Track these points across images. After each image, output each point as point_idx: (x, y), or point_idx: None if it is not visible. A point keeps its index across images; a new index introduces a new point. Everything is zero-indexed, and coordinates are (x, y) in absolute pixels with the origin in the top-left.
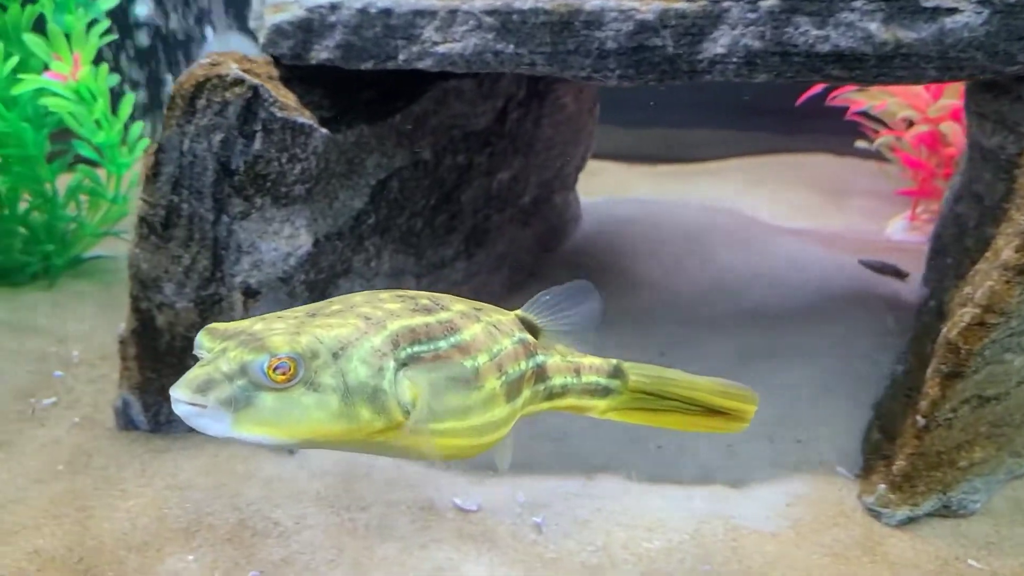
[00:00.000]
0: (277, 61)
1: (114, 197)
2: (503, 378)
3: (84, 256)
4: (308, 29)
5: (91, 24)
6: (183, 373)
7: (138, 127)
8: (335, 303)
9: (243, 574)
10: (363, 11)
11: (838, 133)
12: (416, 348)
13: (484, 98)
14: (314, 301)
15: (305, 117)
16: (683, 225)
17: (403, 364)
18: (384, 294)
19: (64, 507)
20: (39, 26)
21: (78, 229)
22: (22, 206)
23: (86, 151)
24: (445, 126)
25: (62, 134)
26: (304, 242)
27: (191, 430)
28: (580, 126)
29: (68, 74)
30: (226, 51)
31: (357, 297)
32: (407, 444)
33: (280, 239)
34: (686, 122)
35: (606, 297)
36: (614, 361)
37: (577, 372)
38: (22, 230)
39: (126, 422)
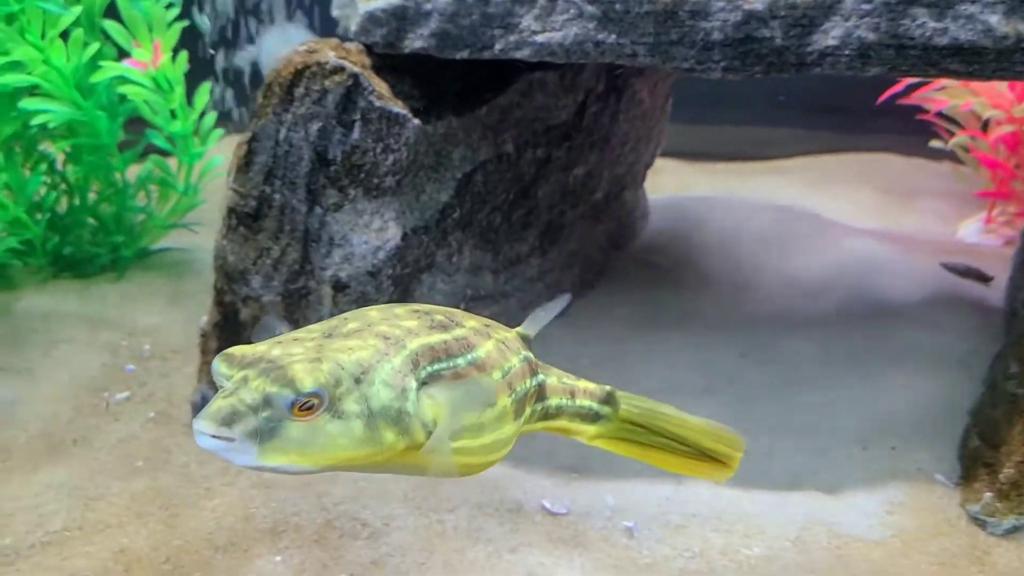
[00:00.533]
0: (369, 50)
1: (184, 188)
2: (512, 395)
3: (151, 248)
4: (402, 17)
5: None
6: None
7: (211, 118)
8: (351, 321)
9: None
10: None
11: (904, 133)
12: (436, 366)
13: (566, 91)
14: (398, 297)
15: (400, 107)
16: (756, 225)
17: (423, 383)
18: (399, 309)
19: (147, 505)
20: (111, 12)
21: (147, 220)
22: (91, 196)
23: (159, 140)
24: (528, 119)
25: (132, 123)
26: (393, 235)
27: None
28: (653, 122)
29: (148, 62)
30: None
31: (373, 313)
32: (425, 463)
33: (370, 232)
34: (745, 120)
35: (682, 296)
36: (607, 388)
37: (572, 395)
38: (91, 221)
39: None
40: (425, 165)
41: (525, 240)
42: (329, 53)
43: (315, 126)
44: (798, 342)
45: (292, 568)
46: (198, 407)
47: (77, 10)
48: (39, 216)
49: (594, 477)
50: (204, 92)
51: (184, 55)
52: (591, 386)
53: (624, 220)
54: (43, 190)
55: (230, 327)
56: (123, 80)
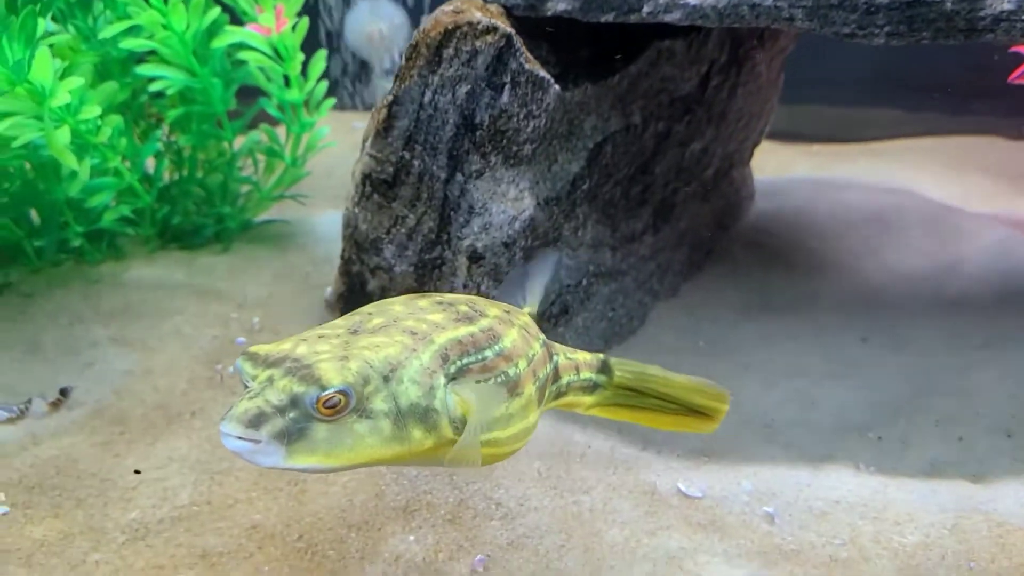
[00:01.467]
0: (508, 12)
1: (292, 159)
2: (536, 383)
3: (255, 220)
4: None
5: None
6: None
7: (323, 87)
8: (375, 316)
9: (468, 557)
10: None
11: (1009, 115)
12: (464, 360)
13: (691, 62)
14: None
15: (544, 71)
16: (869, 207)
17: (452, 379)
18: (423, 302)
19: (275, 480)
20: None
21: (252, 191)
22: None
23: (271, 109)
24: (655, 90)
25: (239, 92)
26: (528, 205)
27: None
28: (766, 98)
29: (272, 28)
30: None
31: (397, 307)
32: (455, 455)
33: (507, 201)
34: (844, 100)
35: (794, 278)
36: (601, 356)
37: (577, 370)
38: (197, 191)
39: None
40: (559, 134)
41: (640, 217)
42: (476, 13)
43: (463, 89)
44: (925, 327)
45: (426, 548)
46: None
47: None
48: (148, 185)
49: (726, 461)
50: (320, 60)
51: (305, 22)
52: (588, 357)
53: (732, 200)
54: (153, 159)
55: (356, 298)
56: (242, 46)
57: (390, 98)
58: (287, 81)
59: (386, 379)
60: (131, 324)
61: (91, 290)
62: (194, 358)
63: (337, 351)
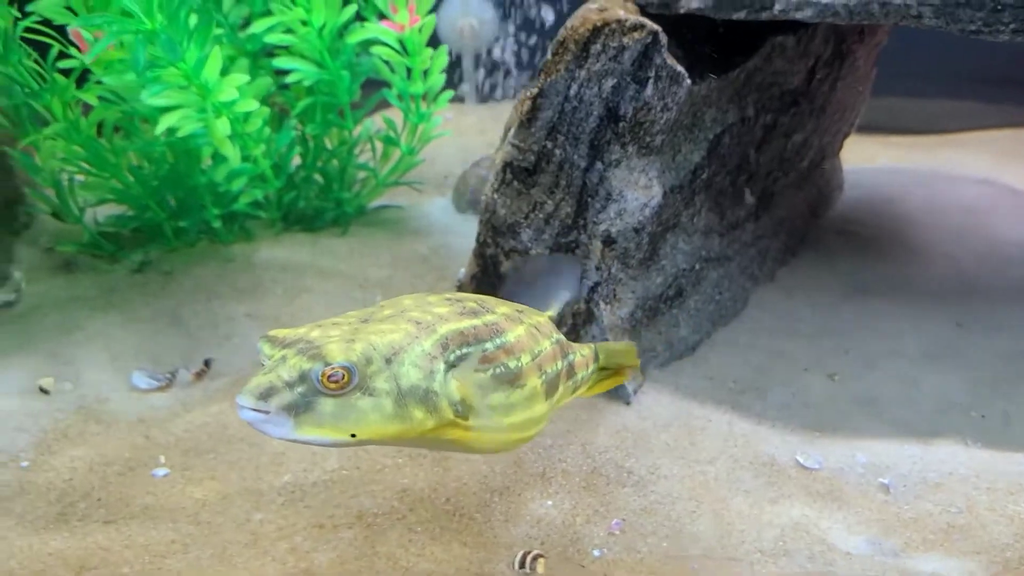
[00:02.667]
0: (642, 10)
1: (409, 148)
2: (543, 377)
3: (370, 205)
4: None
5: None
6: None
7: (440, 80)
8: (386, 308)
9: (604, 521)
10: None
11: None
12: (464, 350)
13: (800, 56)
14: (651, 254)
15: (680, 66)
16: (958, 197)
17: (452, 366)
18: (432, 297)
19: (416, 449)
20: None
21: (369, 178)
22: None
23: (392, 99)
24: (766, 84)
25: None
26: (656, 193)
27: None
28: (860, 90)
29: (406, 24)
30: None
31: (407, 300)
32: (456, 438)
33: (639, 189)
34: (922, 92)
35: (887, 265)
36: (595, 346)
37: (587, 365)
38: (318, 177)
39: None
40: (683, 125)
41: (743, 205)
42: (620, 12)
43: (609, 82)
44: (1018, 313)
45: (564, 512)
46: None
47: None
48: (277, 172)
49: (838, 436)
50: (442, 55)
51: (432, 19)
52: (589, 350)
53: (823, 189)
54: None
55: (488, 279)
56: (373, 42)
57: (535, 91)
58: (409, 73)
59: (388, 361)
60: (263, 301)
61: (225, 269)
62: None
63: (346, 335)
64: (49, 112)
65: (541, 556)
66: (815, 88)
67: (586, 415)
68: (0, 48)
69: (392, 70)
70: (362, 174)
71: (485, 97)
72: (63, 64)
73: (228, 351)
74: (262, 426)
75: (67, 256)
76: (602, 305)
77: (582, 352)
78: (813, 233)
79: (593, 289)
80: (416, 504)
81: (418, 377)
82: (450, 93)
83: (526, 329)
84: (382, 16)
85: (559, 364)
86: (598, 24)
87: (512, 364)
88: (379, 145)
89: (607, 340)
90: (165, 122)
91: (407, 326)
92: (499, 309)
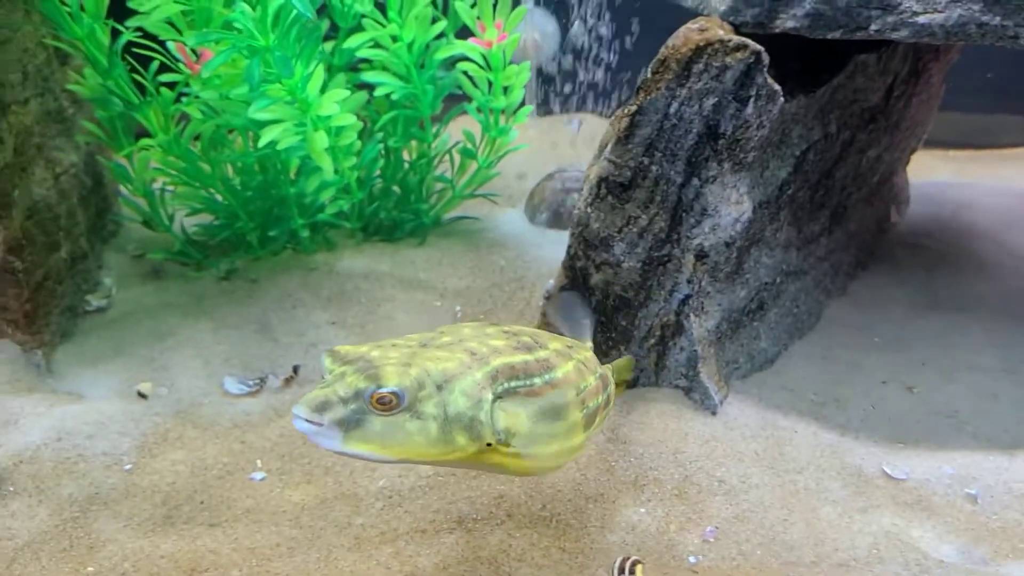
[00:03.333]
0: (736, 29)
1: (487, 162)
2: (584, 410)
3: (447, 217)
4: None
5: None
6: (607, 332)
7: (520, 94)
8: (446, 334)
9: (697, 528)
10: None
11: None
12: (513, 383)
13: (880, 74)
14: (737, 268)
15: (777, 85)
16: (1022, 211)
17: (499, 397)
18: (491, 329)
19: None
20: None
21: (446, 190)
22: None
23: (473, 113)
24: (848, 101)
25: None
26: (747, 208)
27: None
28: (931, 107)
29: (493, 40)
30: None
31: (466, 330)
32: (495, 463)
33: (731, 204)
34: (979, 107)
35: (958, 278)
36: (611, 366)
37: (615, 386)
38: (396, 189)
39: None
40: (772, 142)
41: (818, 219)
42: (720, 32)
43: (710, 101)
44: None
45: (657, 519)
46: None
47: None
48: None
49: (923, 447)
50: (525, 70)
51: (517, 36)
52: (608, 370)
53: (891, 203)
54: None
55: (576, 290)
56: (457, 57)
57: (633, 108)
58: (490, 88)
59: (439, 388)
60: (347, 309)
61: (309, 277)
62: None
63: (404, 358)
64: (147, 124)
65: (639, 562)
66: (892, 105)
67: (675, 424)
68: (103, 62)
69: (475, 85)
70: (439, 186)
71: (547, 111)
72: (164, 78)
73: (314, 357)
74: (314, 437)
75: (155, 263)
76: (692, 317)
77: (615, 379)
78: (882, 247)
79: (684, 301)
80: (513, 510)
81: (466, 405)
82: (529, 108)
83: (574, 365)
84: (469, 32)
85: (600, 398)
86: (700, 44)
87: (558, 400)
88: (456, 157)
89: (696, 351)
90: (268, 135)
91: (462, 355)
92: (551, 345)
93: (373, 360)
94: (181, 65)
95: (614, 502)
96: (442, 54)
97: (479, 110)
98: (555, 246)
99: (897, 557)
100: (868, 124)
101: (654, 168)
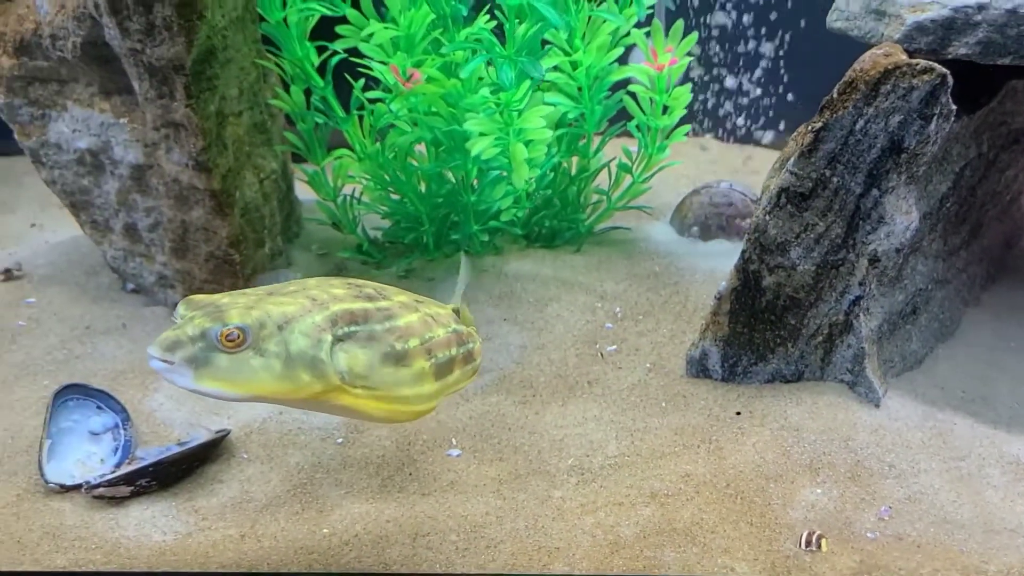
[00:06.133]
0: (911, 55)
1: (642, 177)
2: (432, 360)
3: (600, 227)
4: (950, 27)
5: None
6: (776, 330)
7: (680, 114)
8: (291, 286)
9: (871, 508)
10: (1012, 11)
11: None
12: (352, 328)
13: None
14: (898, 274)
15: (954, 105)
16: None
17: (339, 339)
18: (335, 281)
19: (690, 438)
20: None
21: (601, 202)
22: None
23: (633, 130)
24: (997, 122)
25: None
26: (915, 218)
27: (767, 381)
28: None
29: (665, 64)
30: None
31: (311, 281)
32: (348, 404)
33: (903, 214)
34: None
35: None
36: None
37: (479, 346)
38: (555, 201)
39: (699, 370)
40: (936, 158)
41: (960, 233)
42: (904, 56)
43: (896, 119)
44: None
45: (833, 499)
46: (695, 361)
47: (626, 17)
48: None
49: None
50: (686, 93)
51: (687, 60)
52: (471, 329)
53: (1018, 220)
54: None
55: (748, 292)
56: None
57: (818, 125)
58: (653, 107)
59: (280, 328)
60: (517, 308)
61: (480, 278)
62: (575, 338)
63: (248, 303)
64: (350, 137)
65: (823, 536)
66: None
67: (843, 415)
68: (315, 80)
69: (639, 105)
70: (595, 197)
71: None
72: (371, 95)
73: (491, 350)
74: (167, 374)
75: (338, 262)
76: (861, 317)
77: (480, 340)
78: (1008, 261)
79: (854, 302)
80: (700, 487)
81: (306, 344)
82: (687, 127)
83: (420, 317)
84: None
85: (454, 351)
86: (889, 67)
87: (399, 346)
88: (612, 171)
89: (863, 348)
90: (477, 147)
91: (303, 300)
92: (396, 298)
93: (221, 305)
94: (392, 82)
95: (792, 482)
96: (614, 76)
97: (638, 128)
98: (705, 256)
99: None
100: (1011, 145)
101: (835, 179)
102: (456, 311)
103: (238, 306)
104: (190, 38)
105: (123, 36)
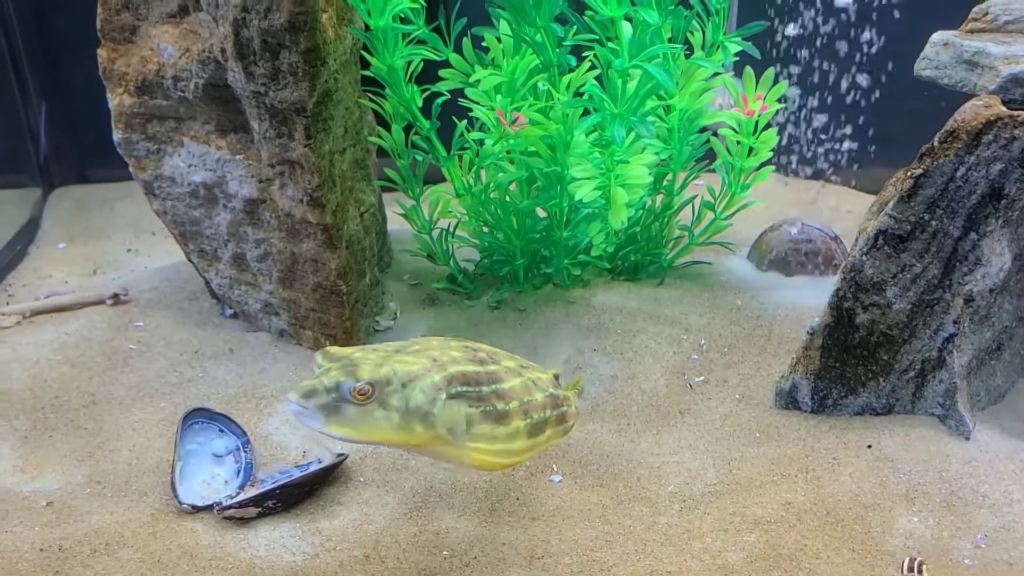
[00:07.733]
0: (1007, 104)
1: (725, 215)
2: (528, 420)
3: (679, 261)
4: None
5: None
6: (868, 365)
7: (765, 157)
8: (416, 344)
9: (967, 537)
10: None
11: None
12: (463, 388)
13: None
14: (987, 312)
15: None
16: None
17: (452, 397)
18: (454, 343)
19: (786, 468)
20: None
21: (682, 237)
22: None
23: (719, 170)
24: None
25: None
26: (1008, 259)
27: (856, 413)
28: None
29: (756, 110)
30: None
31: (434, 341)
32: (450, 453)
33: (996, 256)
34: None
35: None
36: (572, 390)
37: (574, 408)
38: (640, 236)
39: (788, 402)
40: None
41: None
42: (1003, 108)
43: (997, 167)
44: None
45: (930, 527)
46: (785, 394)
47: (716, 64)
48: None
49: None
50: (772, 135)
51: (776, 106)
52: (569, 393)
53: None
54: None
55: (841, 328)
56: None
57: (919, 171)
58: (739, 149)
59: (404, 385)
60: (606, 338)
61: (569, 309)
62: (664, 368)
63: (379, 360)
64: (448, 174)
65: (924, 563)
66: None
67: (935, 447)
68: (420, 121)
69: (726, 147)
70: (677, 232)
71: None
72: (473, 135)
73: (584, 380)
74: (302, 418)
75: (430, 292)
76: (954, 354)
77: (576, 405)
78: None
79: (948, 339)
80: (802, 515)
81: (423, 401)
82: (771, 168)
83: (522, 381)
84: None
85: (547, 412)
86: (991, 118)
87: (500, 406)
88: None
89: (955, 384)
90: (581, 191)
91: (426, 361)
92: (504, 363)
93: (354, 359)
94: (495, 123)
95: (890, 511)
96: (704, 121)
97: (723, 167)
98: (787, 290)
99: None
100: None
101: (933, 223)
102: (556, 376)
103: (369, 362)
104: (313, 83)
105: (247, 80)
